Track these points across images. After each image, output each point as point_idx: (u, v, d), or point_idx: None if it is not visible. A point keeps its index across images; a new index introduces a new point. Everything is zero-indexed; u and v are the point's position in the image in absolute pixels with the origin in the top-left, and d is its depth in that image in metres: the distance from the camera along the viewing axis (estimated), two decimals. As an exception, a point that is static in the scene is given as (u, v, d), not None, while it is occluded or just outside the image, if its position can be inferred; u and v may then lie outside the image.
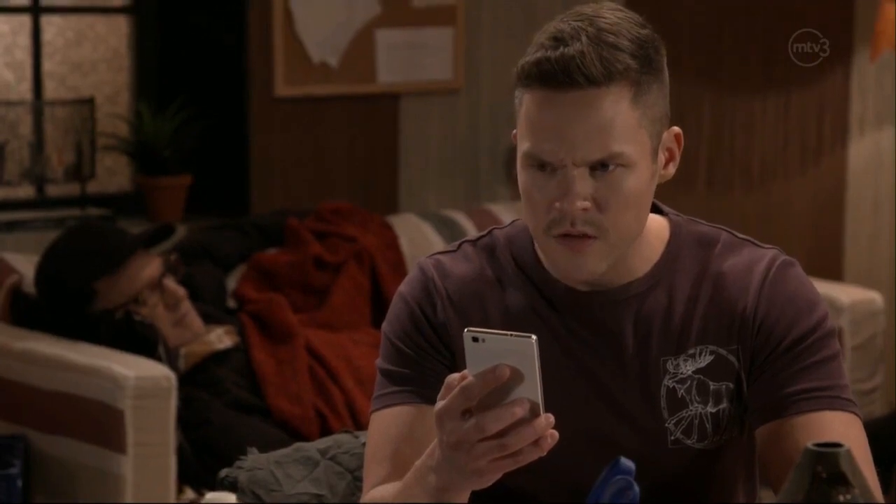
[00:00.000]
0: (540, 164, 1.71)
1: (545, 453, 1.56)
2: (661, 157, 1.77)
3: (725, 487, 1.85)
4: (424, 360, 1.85)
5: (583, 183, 1.70)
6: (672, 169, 1.79)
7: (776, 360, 1.79)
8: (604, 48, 1.68)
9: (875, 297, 4.03)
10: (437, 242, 4.00)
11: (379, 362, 1.87)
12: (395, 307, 1.86)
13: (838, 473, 1.38)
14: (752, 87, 4.57)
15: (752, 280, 1.81)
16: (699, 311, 1.81)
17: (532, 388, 1.54)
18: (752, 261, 1.83)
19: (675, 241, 1.83)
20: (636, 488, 1.56)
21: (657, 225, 1.84)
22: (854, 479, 1.37)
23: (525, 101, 1.72)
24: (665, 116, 1.76)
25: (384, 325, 1.87)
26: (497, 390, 1.55)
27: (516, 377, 1.54)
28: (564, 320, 1.81)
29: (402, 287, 1.87)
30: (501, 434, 1.54)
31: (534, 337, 1.53)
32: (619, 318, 1.81)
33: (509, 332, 1.55)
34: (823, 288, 3.79)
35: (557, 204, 1.70)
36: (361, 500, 1.86)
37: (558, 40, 1.69)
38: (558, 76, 1.67)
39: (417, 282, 1.86)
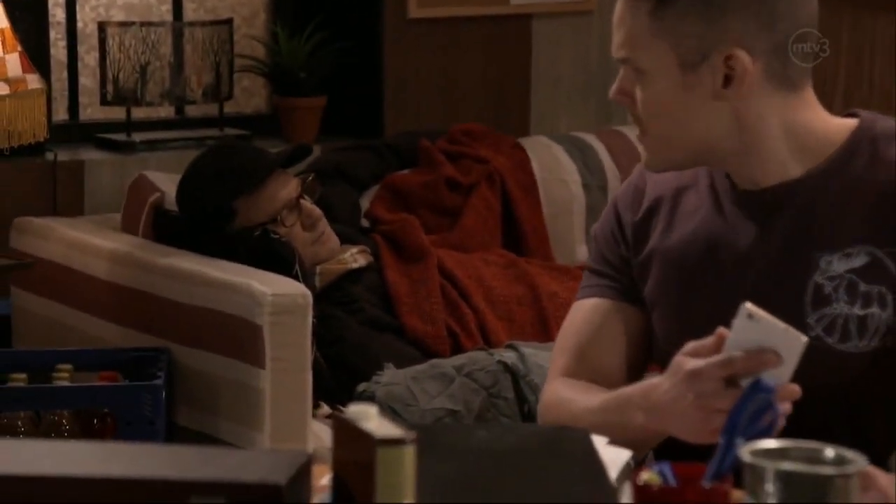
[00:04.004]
0: None
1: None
2: (712, 77, 1.81)
3: (882, 400, 1.83)
4: (620, 259, 1.97)
5: (621, 76, 1.86)
6: (737, 90, 1.82)
7: None
8: None
9: None
10: (569, 164, 4.00)
11: (586, 260, 2.00)
12: (606, 208, 2.02)
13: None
14: (893, 6, 4.48)
15: None
16: (862, 211, 1.82)
17: (782, 378, 1.61)
18: None
19: (853, 140, 1.85)
20: (777, 408, 1.58)
21: (836, 127, 1.87)
22: None
23: None
24: (710, 37, 1.81)
25: (595, 227, 2.04)
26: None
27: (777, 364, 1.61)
28: (724, 215, 1.89)
29: (618, 190, 2.03)
30: None
31: (805, 338, 1.60)
32: (778, 213, 1.85)
33: (785, 325, 1.62)
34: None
35: None
36: (544, 387, 1.98)
37: None
38: None
39: (628, 184, 2.01)
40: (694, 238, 1.91)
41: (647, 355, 1.99)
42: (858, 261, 1.81)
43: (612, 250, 1.99)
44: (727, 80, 1.82)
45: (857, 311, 1.81)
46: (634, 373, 1.96)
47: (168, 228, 3.46)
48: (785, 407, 1.61)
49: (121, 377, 3.19)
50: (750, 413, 1.56)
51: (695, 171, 1.93)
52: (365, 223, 3.76)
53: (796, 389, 1.62)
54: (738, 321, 1.63)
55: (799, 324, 1.79)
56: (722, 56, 1.81)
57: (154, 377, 3.11)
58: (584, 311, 1.97)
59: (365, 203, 3.80)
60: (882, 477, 1.62)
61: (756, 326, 1.61)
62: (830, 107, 1.94)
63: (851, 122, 1.88)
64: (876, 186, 1.82)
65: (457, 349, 3.38)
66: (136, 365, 3.21)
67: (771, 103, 1.84)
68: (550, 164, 3.99)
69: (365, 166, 3.84)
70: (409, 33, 4.16)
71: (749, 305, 1.63)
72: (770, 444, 1.46)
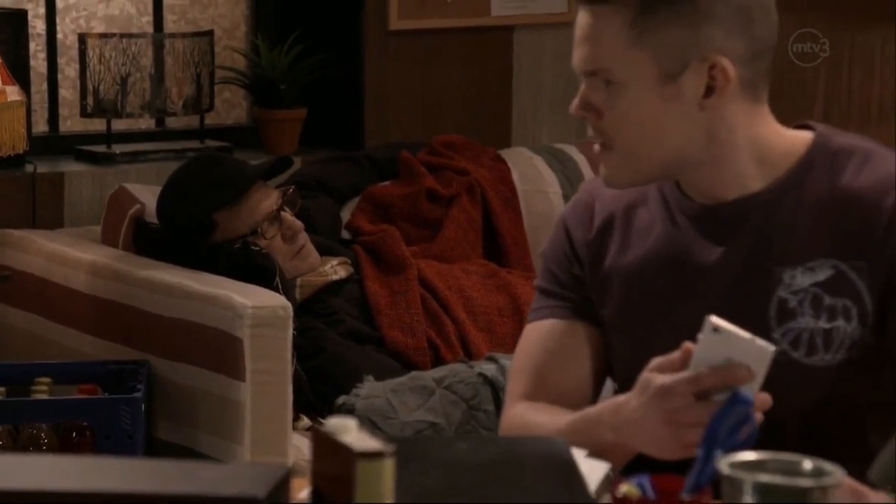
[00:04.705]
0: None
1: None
2: (694, 86, 1.79)
3: (850, 414, 1.83)
4: (572, 278, 1.94)
5: (585, 90, 1.82)
6: (717, 100, 1.80)
7: None
8: None
9: None
10: (549, 176, 4.01)
11: (535, 281, 1.98)
12: (554, 228, 1.98)
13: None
14: (873, 19, 4.50)
15: (889, 194, 1.80)
16: (824, 225, 1.81)
17: (752, 388, 1.60)
18: (891, 174, 1.81)
19: (811, 154, 1.85)
20: (755, 420, 1.58)
21: (792, 140, 1.86)
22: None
23: None
24: (693, 45, 1.79)
25: (543, 247, 1.99)
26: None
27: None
28: (681, 231, 1.87)
29: (564, 208, 2.00)
30: None
31: (773, 348, 1.60)
32: (738, 228, 1.84)
33: (752, 336, 1.61)
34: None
35: None
36: (505, 412, 1.95)
37: None
38: None
39: (575, 202, 1.97)
40: (653, 255, 1.89)
41: (606, 372, 1.97)
42: (822, 274, 1.80)
43: (564, 270, 1.95)
44: (708, 90, 1.80)
45: (823, 324, 1.80)
46: (594, 391, 1.95)
47: (148, 241, 3.45)
48: (757, 417, 1.61)
49: (100, 390, 3.18)
50: (729, 425, 1.56)
51: (643, 186, 1.91)
52: (346, 235, 3.76)
53: (767, 399, 1.62)
54: (704, 335, 1.62)
55: (764, 338, 1.78)
56: (706, 65, 1.79)
57: (133, 390, 3.10)
58: (539, 334, 1.94)
59: (346, 215, 3.80)
60: (872, 496, 1.62)
61: (722, 339, 1.60)
62: (810, 117, 1.94)
63: (807, 136, 1.88)
64: (837, 200, 1.81)
65: (437, 361, 3.38)
66: (115, 378, 3.20)
67: (739, 114, 1.83)
68: (531, 175, 4.00)
69: (345, 178, 3.84)
70: (389, 45, 4.16)
71: (714, 318, 1.61)
72: (748, 456, 1.46)
